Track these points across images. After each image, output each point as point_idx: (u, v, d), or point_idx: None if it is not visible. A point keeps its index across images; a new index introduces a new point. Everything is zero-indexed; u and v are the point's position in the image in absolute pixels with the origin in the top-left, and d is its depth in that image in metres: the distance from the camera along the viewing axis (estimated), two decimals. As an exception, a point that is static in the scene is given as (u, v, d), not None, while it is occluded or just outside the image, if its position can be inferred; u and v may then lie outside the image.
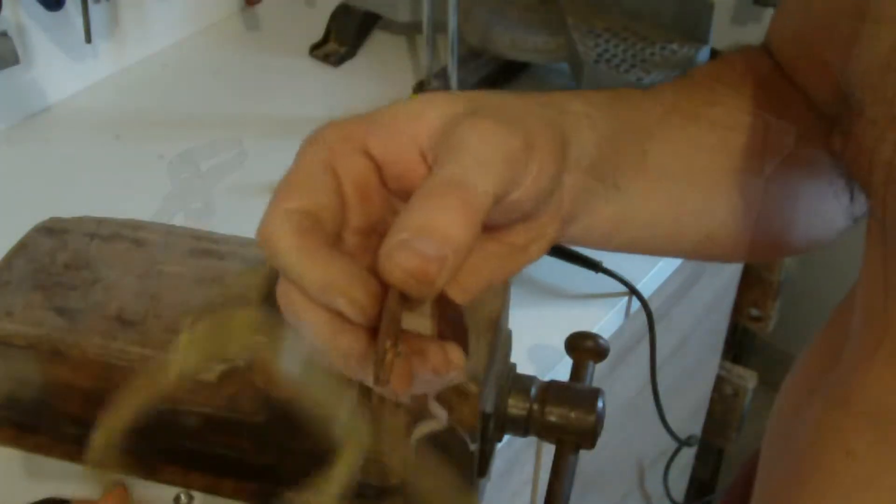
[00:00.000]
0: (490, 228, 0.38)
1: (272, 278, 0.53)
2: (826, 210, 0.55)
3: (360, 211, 0.36)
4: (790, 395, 0.52)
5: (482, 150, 0.34)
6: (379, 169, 0.36)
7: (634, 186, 0.45)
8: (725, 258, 0.57)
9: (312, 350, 0.36)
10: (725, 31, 1.28)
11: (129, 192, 0.94)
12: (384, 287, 0.33)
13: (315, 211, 0.34)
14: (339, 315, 0.33)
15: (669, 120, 0.48)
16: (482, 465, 0.52)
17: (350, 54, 1.15)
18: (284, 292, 0.36)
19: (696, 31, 1.01)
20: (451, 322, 0.37)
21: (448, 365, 0.35)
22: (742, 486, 0.60)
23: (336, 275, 0.33)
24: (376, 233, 0.36)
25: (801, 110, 0.52)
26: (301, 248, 0.33)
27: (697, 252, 0.53)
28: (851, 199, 0.55)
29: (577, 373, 0.58)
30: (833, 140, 0.42)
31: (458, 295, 0.36)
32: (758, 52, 0.55)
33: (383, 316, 0.33)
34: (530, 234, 0.39)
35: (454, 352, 0.36)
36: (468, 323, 0.40)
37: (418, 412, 0.48)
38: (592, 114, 0.42)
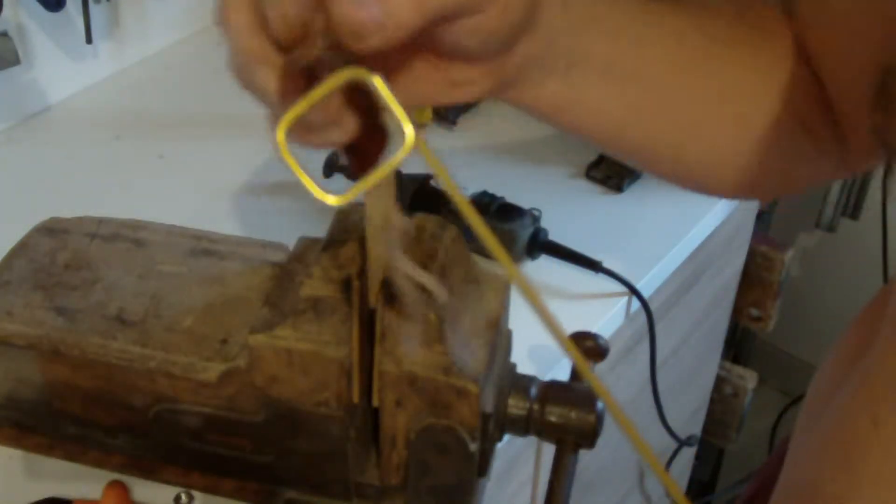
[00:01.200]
0: (435, 53, 0.40)
1: (273, 278, 0.54)
2: (805, 155, 0.55)
3: None
4: (822, 383, 0.52)
5: None
6: None
7: (589, 73, 0.46)
8: (680, 183, 0.57)
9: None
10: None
11: (129, 192, 0.94)
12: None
13: None
14: (263, 23, 0.36)
15: (644, 27, 0.49)
16: (482, 465, 0.52)
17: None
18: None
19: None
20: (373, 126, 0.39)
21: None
22: (772, 470, 0.60)
23: None
24: None
25: (799, 65, 0.53)
26: None
27: (641, 158, 0.54)
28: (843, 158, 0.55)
29: (577, 373, 0.58)
30: (875, 114, 0.42)
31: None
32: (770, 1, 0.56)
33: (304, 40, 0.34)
34: (466, 75, 0.41)
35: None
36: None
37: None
38: None
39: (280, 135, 0.33)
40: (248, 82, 0.38)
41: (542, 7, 0.41)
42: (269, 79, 0.36)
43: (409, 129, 0.32)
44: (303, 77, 0.37)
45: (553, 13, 0.42)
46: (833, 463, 0.43)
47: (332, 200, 0.32)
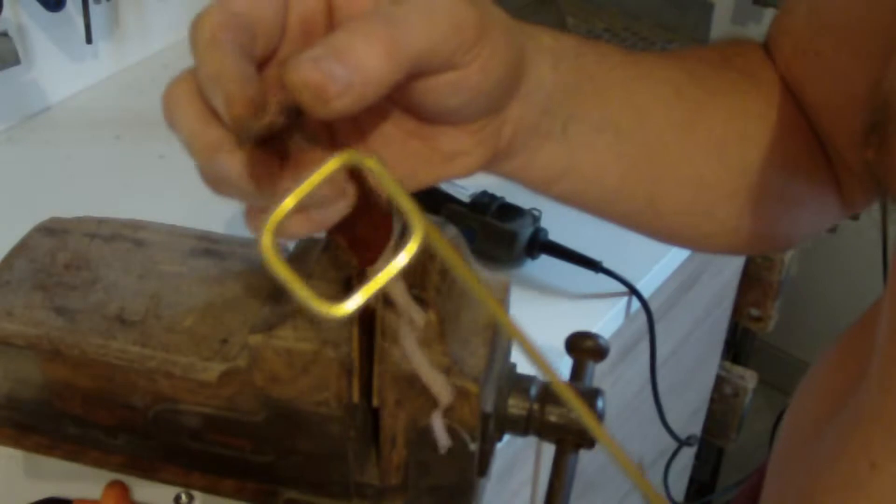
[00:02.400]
0: (421, 127, 0.37)
1: (273, 278, 0.54)
2: (803, 200, 0.54)
3: (294, 47, 0.35)
4: (808, 404, 0.51)
5: (434, 4, 0.33)
6: (331, 10, 0.35)
7: (584, 137, 0.44)
8: (676, 240, 0.55)
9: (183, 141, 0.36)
10: (725, 31, 1.28)
11: (129, 192, 0.94)
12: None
13: (251, 17, 0.34)
14: (214, 114, 0.33)
15: (636, 80, 0.47)
16: (482, 465, 0.52)
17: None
18: (173, 84, 0.36)
19: (695, 31, 1.01)
20: (377, 220, 0.36)
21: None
22: (748, 494, 0.60)
23: (229, 70, 0.32)
24: None
25: (789, 107, 0.52)
26: (214, 39, 0.33)
27: (640, 221, 0.51)
28: (846, 198, 0.54)
29: (577, 373, 0.58)
30: (866, 151, 0.42)
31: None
32: (752, 44, 0.55)
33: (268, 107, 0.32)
34: (459, 145, 0.38)
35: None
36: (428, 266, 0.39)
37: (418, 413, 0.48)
38: (558, 53, 0.41)
39: (267, 240, 0.27)
40: (216, 179, 0.36)
41: (529, 67, 0.38)
42: (233, 165, 0.33)
43: (417, 221, 0.27)
44: (271, 154, 0.34)
45: (543, 73, 0.40)
46: None
47: (336, 311, 0.26)
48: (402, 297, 0.40)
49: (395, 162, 0.38)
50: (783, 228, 0.55)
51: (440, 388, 0.44)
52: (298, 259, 0.52)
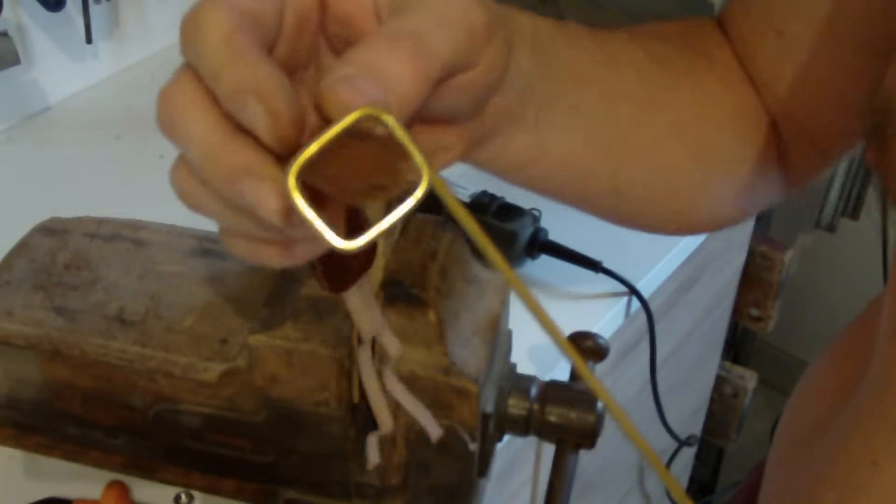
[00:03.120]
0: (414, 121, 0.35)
1: (273, 278, 0.54)
2: (751, 181, 0.54)
3: (289, 45, 0.33)
4: (806, 403, 0.51)
5: (445, 10, 0.32)
6: (324, 7, 0.33)
7: (555, 123, 0.43)
8: (635, 222, 0.55)
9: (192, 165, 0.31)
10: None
11: (129, 192, 0.94)
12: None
13: (257, 14, 0.31)
14: (236, 127, 0.30)
15: (604, 64, 0.46)
16: (482, 465, 0.52)
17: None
18: (174, 87, 0.31)
19: (696, 31, 1.01)
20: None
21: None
22: (747, 493, 0.60)
23: (268, 83, 0.29)
24: (293, 77, 0.33)
25: (744, 87, 0.52)
26: (231, 42, 0.29)
27: (602, 205, 0.51)
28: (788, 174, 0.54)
29: (577, 373, 0.58)
30: (868, 154, 0.42)
31: None
32: (708, 22, 0.54)
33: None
34: (442, 141, 0.37)
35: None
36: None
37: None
38: (537, 39, 0.41)
39: (292, 181, 0.28)
40: (232, 207, 0.32)
41: (512, 56, 0.37)
42: (267, 195, 0.29)
43: (425, 169, 0.28)
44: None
45: (522, 61, 0.39)
46: (827, 502, 0.42)
47: (348, 247, 0.29)
48: (368, 325, 0.39)
49: None
50: (734, 207, 0.56)
51: (384, 416, 0.44)
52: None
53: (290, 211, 0.29)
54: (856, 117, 0.48)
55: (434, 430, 0.45)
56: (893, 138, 0.38)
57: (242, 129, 0.30)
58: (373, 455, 0.47)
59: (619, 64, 0.47)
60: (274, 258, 0.33)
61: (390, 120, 0.28)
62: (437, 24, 0.31)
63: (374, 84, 0.29)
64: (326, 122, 0.29)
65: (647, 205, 0.51)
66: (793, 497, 0.46)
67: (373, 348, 0.42)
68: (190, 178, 0.32)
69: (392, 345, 0.41)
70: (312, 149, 0.28)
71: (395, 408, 0.48)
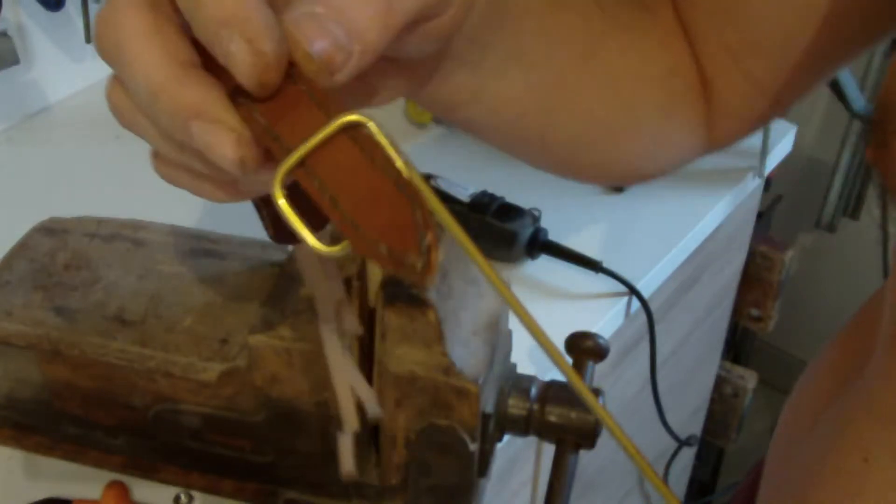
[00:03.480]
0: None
1: (273, 278, 0.54)
2: (673, 139, 0.54)
3: None
4: (805, 401, 0.51)
5: None
6: None
7: (496, 66, 0.42)
8: (558, 170, 0.54)
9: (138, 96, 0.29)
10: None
11: (129, 192, 0.94)
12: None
13: None
14: (191, 60, 0.28)
15: (550, 10, 0.46)
16: (482, 465, 0.52)
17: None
18: (118, 15, 0.29)
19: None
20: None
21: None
22: (746, 493, 0.60)
23: (255, 17, 0.27)
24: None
25: (681, 45, 0.52)
26: None
27: (527, 151, 0.51)
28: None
29: (577, 373, 0.58)
30: (868, 151, 0.41)
31: None
32: None
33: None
34: (390, 81, 0.37)
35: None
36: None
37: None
38: None
39: (278, 192, 0.28)
40: (181, 148, 0.30)
41: None
42: (224, 140, 0.28)
43: (410, 172, 0.29)
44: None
45: (474, 3, 0.38)
46: (819, 497, 0.42)
47: (331, 250, 0.29)
48: (328, 302, 0.39)
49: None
50: (655, 163, 0.56)
51: (349, 414, 0.43)
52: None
53: (246, 159, 0.29)
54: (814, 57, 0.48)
55: (351, 424, 0.43)
56: (893, 135, 0.38)
57: (196, 63, 0.29)
58: (346, 460, 0.44)
59: (566, 10, 0.46)
60: (216, 194, 0.32)
61: (373, 126, 0.28)
62: None
63: (341, 28, 0.28)
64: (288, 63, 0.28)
65: (570, 153, 0.51)
66: (788, 493, 0.46)
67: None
68: (128, 98, 0.30)
69: (350, 322, 0.40)
70: (298, 153, 0.28)
71: (394, 406, 0.48)
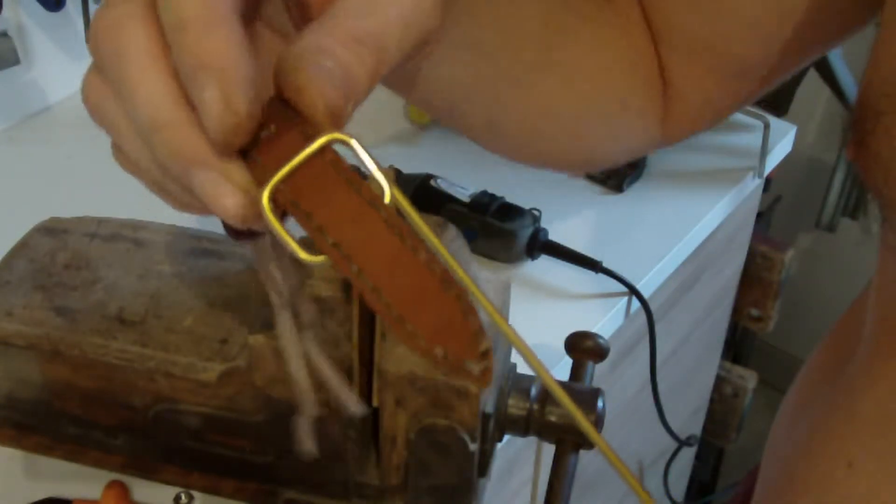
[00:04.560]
0: None
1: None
2: (629, 131, 0.54)
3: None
4: (795, 400, 0.51)
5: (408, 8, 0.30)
6: None
7: (446, 52, 0.42)
8: (510, 156, 0.54)
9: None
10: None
11: (129, 192, 0.94)
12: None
13: None
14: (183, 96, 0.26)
15: (508, 1, 0.45)
16: (482, 465, 0.52)
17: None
18: (117, 18, 0.27)
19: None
20: None
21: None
22: (746, 493, 0.60)
23: (234, 66, 0.26)
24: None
25: (642, 39, 0.52)
26: (209, 6, 0.26)
27: (478, 137, 0.50)
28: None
29: (576, 373, 0.58)
30: (847, 148, 0.41)
31: None
32: None
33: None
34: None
35: None
36: None
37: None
38: None
39: (266, 205, 0.28)
40: (175, 191, 0.29)
41: None
42: (229, 201, 0.27)
43: (388, 189, 0.28)
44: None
45: None
46: (803, 501, 0.41)
47: (314, 260, 0.29)
48: (281, 287, 0.38)
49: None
50: (604, 155, 0.55)
51: (306, 396, 0.43)
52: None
53: (249, 217, 0.29)
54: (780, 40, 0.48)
55: (355, 408, 0.43)
56: (872, 133, 0.38)
57: None
58: (305, 441, 0.44)
59: (525, 1, 0.46)
60: (173, 205, 0.31)
61: (354, 144, 0.29)
62: (400, 24, 0.30)
63: (340, 77, 0.28)
64: (277, 86, 0.28)
65: (523, 141, 0.51)
66: (775, 497, 0.45)
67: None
68: (108, 97, 0.29)
69: (308, 311, 0.40)
70: (285, 170, 0.28)
71: (394, 406, 0.48)
